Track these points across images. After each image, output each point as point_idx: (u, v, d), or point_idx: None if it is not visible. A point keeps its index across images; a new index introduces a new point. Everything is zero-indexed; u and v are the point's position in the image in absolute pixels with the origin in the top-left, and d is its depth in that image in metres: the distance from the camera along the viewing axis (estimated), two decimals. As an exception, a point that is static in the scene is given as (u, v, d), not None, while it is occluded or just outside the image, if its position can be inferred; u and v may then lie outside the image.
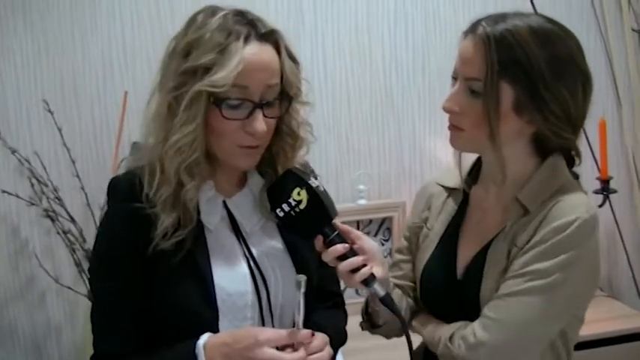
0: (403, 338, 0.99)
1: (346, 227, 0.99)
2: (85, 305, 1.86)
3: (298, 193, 0.95)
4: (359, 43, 2.05)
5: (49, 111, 1.78)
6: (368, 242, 0.99)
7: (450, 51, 2.09)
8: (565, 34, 1.01)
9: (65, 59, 1.83)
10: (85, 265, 1.79)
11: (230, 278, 0.98)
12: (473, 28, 1.01)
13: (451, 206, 1.15)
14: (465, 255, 1.09)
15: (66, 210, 1.78)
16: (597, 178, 2.02)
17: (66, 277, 1.87)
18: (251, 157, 0.99)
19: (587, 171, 2.04)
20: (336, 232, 0.97)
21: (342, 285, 1.08)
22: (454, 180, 1.17)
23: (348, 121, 2.07)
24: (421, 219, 1.19)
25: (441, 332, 1.05)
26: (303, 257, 1.05)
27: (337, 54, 2.03)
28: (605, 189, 2.00)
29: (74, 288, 1.84)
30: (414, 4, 2.08)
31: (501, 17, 0.99)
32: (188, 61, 0.92)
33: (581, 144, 1.98)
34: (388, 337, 1.18)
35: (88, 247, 1.77)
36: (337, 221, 0.99)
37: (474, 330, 0.99)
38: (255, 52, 0.93)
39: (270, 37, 0.96)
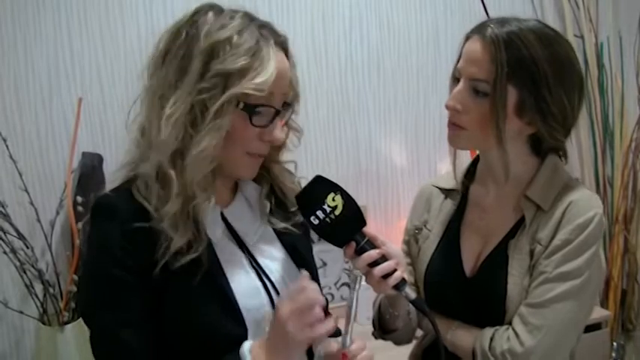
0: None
1: (373, 233, 1.00)
2: (34, 331, 1.80)
3: (333, 199, 0.94)
4: (315, 48, 2.09)
5: (-8, 122, 1.72)
6: (393, 247, 1.00)
7: (404, 54, 2.23)
8: (561, 38, 1.08)
9: (6, 65, 1.76)
10: (37, 287, 1.73)
11: (245, 293, 0.96)
12: (480, 30, 1.05)
13: (449, 206, 1.21)
14: (470, 253, 1.14)
15: (14, 226, 1.70)
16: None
17: (14, 300, 1.79)
18: (255, 167, 0.99)
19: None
20: (366, 239, 0.97)
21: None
22: (451, 181, 1.23)
23: (304, 125, 2.06)
24: (420, 221, 1.24)
25: (474, 340, 1.08)
26: (305, 261, 1.06)
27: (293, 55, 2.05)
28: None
29: (24, 311, 1.76)
30: (369, 8, 2.15)
31: (505, 20, 1.05)
32: (217, 63, 0.89)
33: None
34: (399, 343, 1.21)
35: (40, 267, 1.71)
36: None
37: (520, 338, 1.03)
38: (280, 59, 0.94)
39: (284, 44, 0.97)
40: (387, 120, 2.24)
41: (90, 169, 1.82)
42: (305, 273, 0.93)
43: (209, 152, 0.90)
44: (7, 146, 1.72)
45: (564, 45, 1.07)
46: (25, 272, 1.71)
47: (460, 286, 1.13)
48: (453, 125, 1.09)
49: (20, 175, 1.73)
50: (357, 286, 0.95)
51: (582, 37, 2.44)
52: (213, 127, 0.90)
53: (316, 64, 2.11)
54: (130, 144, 0.99)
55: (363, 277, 0.98)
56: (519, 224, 1.10)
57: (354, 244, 0.97)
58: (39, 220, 1.76)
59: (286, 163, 1.11)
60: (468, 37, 1.09)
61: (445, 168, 2.22)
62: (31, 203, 1.74)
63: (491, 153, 1.11)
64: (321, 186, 0.96)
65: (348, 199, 0.95)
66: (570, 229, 1.04)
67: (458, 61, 1.10)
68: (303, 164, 2.05)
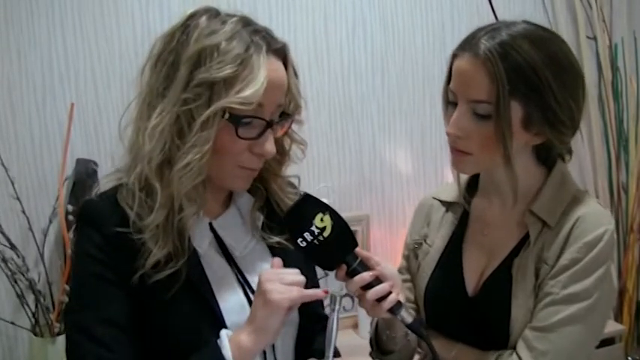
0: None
1: (366, 253, 0.97)
2: (26, 342, 1.78)
3: (321, 219, 0.91)
4: (317, 52, 2.06)
5: (-18, 128, 1.70)
6: (388, 268, 0.97)
7: (410, 58, 2.20)
8: (554, 35, 1.03)
9: (0, 69, 1.74)
10: (28, 297, 1.71)
11: (230, 309, 0.94)
12: (470, 46, 0.99)
13: (451, 220, 1.16)
14: (473, 271, 1.10)
15: (5, 236, 1.69)
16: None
17: (7, 310, 1.78)
18: (248, 180, 0.97)
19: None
20: (358, 260, 0.94)
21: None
22: (452, 194, 1.19)
23: (306, 132, 2.05)
24: (420, 235, 1.20)
25: None
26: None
27: (294, 63, 2.02)
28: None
29: (15, 322, 1.75)
30: (372, 10, 2.12)
31: (494, 30, 1.00)
32: (201, 71, 0.86)
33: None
34: None
35: (30, 276, 1.69)
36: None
37: None
38: (274, 68, 0.90)
39: (282, 51, 0.93)
40: (392, 126, 2.21)
41: (84, 175, 1.80)
42: (277, 260, 0.92)
43: (195, 165, 0.88)
44: (-2, 153, 1.71)
45: (559, 43, 1.02)
46: (16, 282, 1.69)
47: (462, 305, 1.09)
48: (456, 151, 1.04)
49: (12, 182, 1.71)
50: (336, 307, 0.91)
51: (595, 38, 2.40)
52: (198, 140, 0.87)
53: (317, 67, 2.08)
54: (124, 150, 0.97)
55: (343, 298, 0.94)
56: (524, 241, 1.06)
57: (345, 266, 0.93)
58: (31, 229, 1.74)
59: (289, 177, 1.08)
60: (455, 55, 1.03)
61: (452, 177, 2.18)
62: (23, 212, 1.73)
63: (498, 170, 1.06)
64: (309, 206, 0.92)
65: (337, 219, 0.92)
66: (578, 248, 0.99)
67: (448, 81, 1.05)
68: (304, 173, 2.12)
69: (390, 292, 0.94)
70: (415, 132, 2.25)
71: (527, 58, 0.96)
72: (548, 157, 1.09)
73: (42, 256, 1.75)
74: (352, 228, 2.06)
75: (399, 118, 2.22)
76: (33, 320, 1.73)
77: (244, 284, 0.99)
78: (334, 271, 0.96)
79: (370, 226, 2.13)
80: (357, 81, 2.14)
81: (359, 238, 2.10)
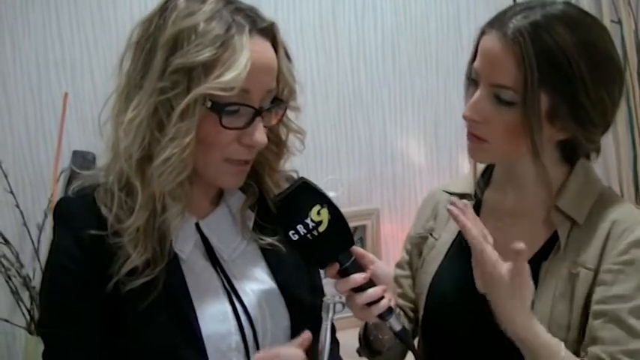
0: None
1: (361, 250, 0.92)
2: (23, 338, 1.73)
3: (318, 212, 0.85)
4: (324, 37, 2.01)
5: (-25, 119, 1.67)
6: (382, 268, 0.92)
7: (422, 42, 2.14)
8: (596, 23, 0.95)
9: (-7, 59, 1.71)
10: (24, 294, 1.68)
11: (210, 318, 0.89)
12: (500, 24, 0.92)
13: None
14: None
15: (-2, 231, 1.66)
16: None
17: (1, 307, 1.74)
18: (239, 175, 0.91)
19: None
20: (352, 259, 0.89)
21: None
22: (463, 185, 1.12)
23: (314, 121, 2.03)
24: (425, 229, 1.14)
25: None
26: (292, 282, 0.97)
27: (300, 50, 1.98)
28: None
29: (10, 320, 1.71)
30: (383, -8, 2.06)
31: (528, 8, 0.92)
32: (178, 56, 0.81)
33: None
34: None
35: (25, 272, 1.66)
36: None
37: None
38: (260, 49, 0.84)
39: (270, 31, 0.87)
40: (404, 115, 2.15)
41: (81, 168, 1.77)
42: (306, 336, 0.86)
43: (176, 160, 0.82)
44: (-10, 146, 1.67)
45: (599, 31, 0.94)
46: (10, 279, 1.66)
47: (470, 305, 1.00)
48: (473, 137, 0.97)
49: (5, 175, 1.68)
50: (329, 315, 0.87)
51: (620, 22, 2.31)
52: (178, 131, 0.81)
53: (325, 54, 2.02)
54: (104, 148, 0.92)
55: (337, 305, 0.89)
56: (552, 242, 0.99)
57: (337, 265, 0.88)
58: (25, 224, 1.70)
59: (287, 173, 1.02)
60: (484, 31, 0.96)
61: (468, 167, 2.13)
62: (17, 206, 1.69)
63: (517, 162, 1.00)
64: (306, 196, 0.86)
65: (335, 213, 0.86)
66: (622, 250, 0.92)
67: (474, 59, 0.97)
68: (311, 164, 2.06)
69: (382, 297, 0.89)
70: (428, 121, 2.19)
71: (560, 43, 0.89)
72: (573, 155, 1.01)
73: (37, 251, 1.71)
74: (362, 222, 2.07)
75: (411, 106, 2.16)
76: (28, 318, 1.69)
77: (230, 291, 0.92)
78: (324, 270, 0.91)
79: (381, 221, 2.08)
80: (367, 68, 2.08)
81: (368, 232, 2.04)
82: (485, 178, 1.11)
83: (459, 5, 2.18)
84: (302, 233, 0.86)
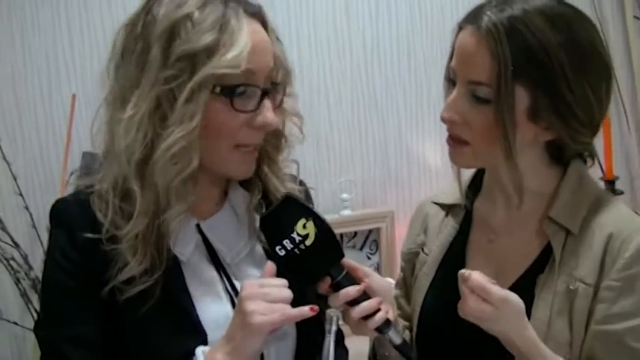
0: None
1: (354, 264, 0.90)
2: (33, 340, 1.72)
3: (304, 226, 0.85)
4: (337, 35, 1.99)
5: (-15, 120, 1.67)
6: (377, 280, 0.90)
7: (438, 39, 2.11)
8: (581, 18, 0.91)
9: (2, 61, 1.71)
10: (33, 297, 1.67)
11: (213, 322, 0.87)
12: (474, 18, 0.89)
13: (451, 225, 1.05)
14: None
15: (8, 233, 1.66)
16: (601, 179, 2.00)
17: (11, 310, 1.74)
18: (250, 162, 0.89)
19: (590, 171, 2.03)
20: (344, 272, 0.87)
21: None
22: (452, 196, 1.07)
23: (327, 122, 2.00)
24: (416, 244, 1.09)
25: None
26: (297, 290, 0.92)
27: (313, 48, 1.96)
28: (611, 190, 1.99)
29: (20, 322, 1.72)
30: (397, -11, 2.02)
31: (507, 2, 0.88)
32: (179, 44, 0.80)
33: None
34: None
35: (34, 275, 1.65)
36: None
37: None
38: (255, 30, 0.85)
39: (258, 14, 0.87)
40: (419, 116, 2.11)
41: (91, 169, 1.76)
42: (269, 264, 0.86)
43: (180, 148, 0.80)
44: (0, 147, 1.66)
45: (584, 25, 0.90)
46: (19, 281, 1.66)
47: (463, 324, 0.94)
48: (453, 140, 0.93)
49: (14, 178, 1.68)
50: (332, 328, 0.85)
51: (644, 18, 2.25)
52: (183, 118, 0.80)
53: (339, 52, 1.99)
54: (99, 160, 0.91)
55: (340, 317, 0.87)
56: (547, 254, 0.94)
57: (329, 279, 0.86)
58: (34, 227, 1.70)
59: (287, 164, 0.98)
60: (460, 28, 0.92)
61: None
62: (26, 208, 1.69)
63: (501, 168, 0.94)
64: (291, 210, 0.85)
65: (322, 226, 0.85)
66: (623, 265, 0.87)
67: (451, 58, 0.93)
68: (325, 166, 2.03)
69: (379, 310, 0.87)
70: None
71: (539, 37, 0.85)
72: (562, 156, 0.96)
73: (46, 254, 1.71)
74: (376, 225, 2.03)
75: (427, 107, 2.12)
76: (35, 337, 1.69)
77: (233, 295, 0.90)
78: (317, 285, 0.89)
79: (395, 223, 2.04)
80: (382, 67, 2.05)
81: (383, 235, 2.00)
82: (475, 186, 1.06)
83: (475, 1, 2.13)
84: (288, 248, 0.85)
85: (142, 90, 0.82)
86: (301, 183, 1.04)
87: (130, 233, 0.82)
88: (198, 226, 0.92)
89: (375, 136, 2.07)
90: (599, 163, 2.02)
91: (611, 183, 1.97)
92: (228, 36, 0.81)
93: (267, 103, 0.86)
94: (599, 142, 1.93)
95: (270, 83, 0.88)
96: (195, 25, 0.81)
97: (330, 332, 0.86)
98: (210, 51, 0.80)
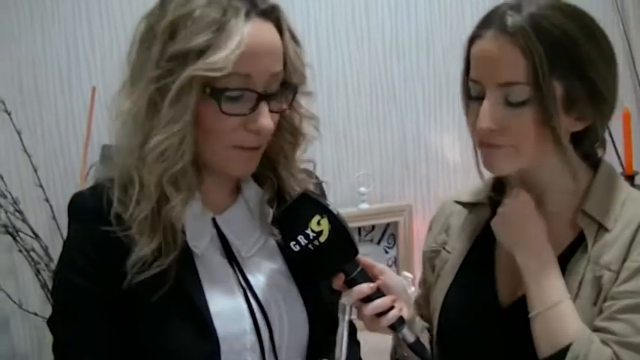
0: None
1: (369, 261, 0.90)
2: (53, 332, 1.77)
3: (318, 223, 0.86)
4: (356, 28, 1.97)
5: (6, 111, 1.65)
6: (392, 277, 0.91)
7: (457, 33, 2.08)
8: (580, 8, 0.93)
9: (24, 52, 1.71)
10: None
11: (225, 316, 0.87)
12: (493, 23, 0.89)
13: (476, 223, 1.04)
14: (505, 277, 0.98)
15: (28, 225, 1.66)
16: (620, 174, 1.98)
17: (32, 300, 1.75)
18: (250, 161, 0.88)
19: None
20: (359, 269, 0.88)
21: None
22: (475, 195, 1.07)
23: (345, 115, 1.99)
24: (438, 243, 1.09)
25: None
26: (309, 282, 0.95)
27: (332, 40, 1.94)
28: (630, 185, 1.97)
29: (40, 313, 1.72)
30: (416, -18, 2.00)
31: (517, 4, 0.90)
32: (175, 43, 0.80)
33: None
34: None
35: (54, 266, 1.67)
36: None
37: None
38: (258, 32, 0.82)
39: (272, 13, 0.85)
40: (438, 109, 2.09)
41: (110, 162, 1.77)
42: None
43: (168, 145, 0.81)
44: (21, 139, 1.67)
45: (587, 14, 0.92)
46: (39, 272, 1.67)
47: (491, 318, 0.96)
48: (492, 146, 0.91)
49: (35, 170, 1.68)
50: (346, 317, 0.85)
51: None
52: (171, 117, 0.80)
53: (357, 46, 1.98)
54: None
55: (349, 308, 0.87)
56: (576, 246, 0.94)
57: (343, 275, 0.87)
58: (54, 218, 1.70)
59: (303, 163, 0.98)
60: (474, 37, 0.91)
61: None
62: (47, 200, 1.69)
63: (536, 165, 0.94)
64: (305, 206, 0.87)
65: (336, 222, 0.86)
66: None
67: (467, 72, 0.93)
68: (343, 159, 2.01)
69: (392, 308, 0.87)
70: (463, 116, 2.12)
71: (563, 29, 0.87)
72: (585, 149, 0.98)
73: (66, 245, 1.72)
74: (394, 219, 2.02)
75: (445, 100, 2.10)
76: (51, 334, 1.70)
77: (246, 288, 0.90)
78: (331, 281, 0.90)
79: (413, 218, 2.03)
80: (400, 62, 2.03)
81: (401, 229, 1.99)
82: (498, 185, 1.05)
83: (496, -3, 2.11)
84: (303, 244, 0.86)
85: (141, 85, 0.83)
86: (316, 178, 1.03)
87: (138, 217, 0.83)
88: (214, 219, 0.92)
89: (393, 130, 2.06)
90: (619, 158, 2.00)
91: (630, 178, 1.94)
92: (222, 38, 0.79)
93: (263, 108, 0.84)
94: (618, 138, 1.93)
95: (280, 84, 0.86)
96: (194, 24, 0.80)
97: (343, 320, 0.87)
98: (201, 52, 0.79)
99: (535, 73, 0.86)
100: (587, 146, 0.98)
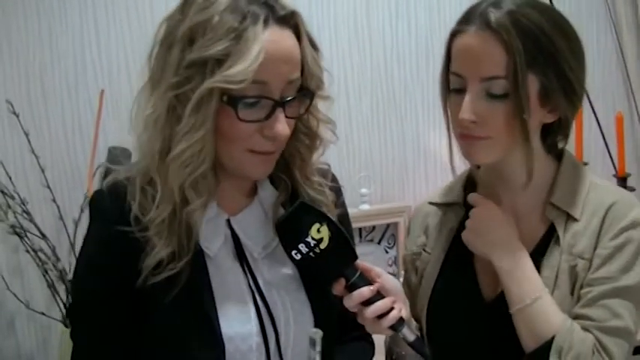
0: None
1: (366, 265, 0.92)
2: (59, 332, 1.74)
3: (318, 230, 0.87)
4: (358, 34, 1.98)
5: (14, 113, 1.67)
6: (389, 279, 0.92)
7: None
8: (552, 7, 0.99)
9: (31, 54, 1.72)
10: (60, 288, 1.68)
11: (232, 318, 0.87)
12: (474, 20, 0.93)
13: (452, 222, 1.07)
14: (486, 273, 1.01)
15: (36, 225, 1.66)
16: (613, 176, 2.01)
17: (37, 300, 1.76)
18: (266, 164, 0.88)
19: (602, 168, 2.04)
20: (358, 273, 0.89)
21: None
22: (447, 195, 1.10)
23: (347, 120, 2.01)
24: (417, 245, 1.11)
25: None
26: (319, 286, 0.94)
27: (334, 46, 1.96)
28: (623, 187, 2.00)
29: (47, 313, 1.73)
30: (416, -12, 2.02)
31: (497, 2, 0.93)
32: (193, 50, 0.79)
33: (597, 140, 1.97)
34: None
35: (62, 266, 1.66)
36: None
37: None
38: (276, 39, 0.81)
39: (291, 20, 0.84)
40: (437, 114, 2.05)
41: (117, 164, 1.77)
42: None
43: (191, 153, 0.81)
44: (28, 140, 1.68)
45: (559, 12, 0.97)
46: (47, 272, 1.67)
47: (475, 313, 0.99)
48: (472, 137, 0.94)
49: (42, 170, 1.69)
50: (316, 349, 0.85)
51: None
52: (192, 126, 0.80)
53: (359, 52, 1.99)
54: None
55: (321, 335, 0.87)
56: (548, 238, 0.97)
57: (343, 280, 0.88)
58: (62, 219, 1.71)
59: (318, 166, 0.99)
60: (457, 32, 0.95)
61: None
62: (54, 200, 1.70)
63: (507, 158, 0.97)
64: (305, 215, 0.87)
65: (335, 230, 0.87)
66: (614, 234, 0.92)
67: (447, 67, 0.97)
68: (344, 162, 2.03)
69: (392, 309, 0.89)
70: (460, 119, 2.16)
71: (539, 26, 0.91)
72: (551, 142, 1.02)
73: (73, 246, 1.71)
74: (394, 220, 2.04)
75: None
76: (64, 311, 1.70)
77: (255, 291, 0.91)
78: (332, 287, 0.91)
79: (413, 219, 2.06)
80: (401, 67, 2.05)
81: (400, 230, 2.01)
82: (469, 184, 1.08)
83: (494, 3, 2.14)
84: (304, 252, 0.87)
85: (161, 90, 0.83)
86: (334, 178, 1.04)
87: (157, 219, 0.84)
88: (228, 221, 0.93)
89: (393, 134, 2.08)
90: (612, 160, 2.03)
91: (623, 180, 1.98)
92: (241, 47, 0.79)
93: (279, 114, 0.84)
94: (611, 139, 1.97)
95: (298, 90, 0.86)
96: (212, 31, 0.79)
97: (316, 352, 0.86)
98: (219, 61, 0.79)
99: (514, 67, 0.89)
100: (553, 138, 1.02)
